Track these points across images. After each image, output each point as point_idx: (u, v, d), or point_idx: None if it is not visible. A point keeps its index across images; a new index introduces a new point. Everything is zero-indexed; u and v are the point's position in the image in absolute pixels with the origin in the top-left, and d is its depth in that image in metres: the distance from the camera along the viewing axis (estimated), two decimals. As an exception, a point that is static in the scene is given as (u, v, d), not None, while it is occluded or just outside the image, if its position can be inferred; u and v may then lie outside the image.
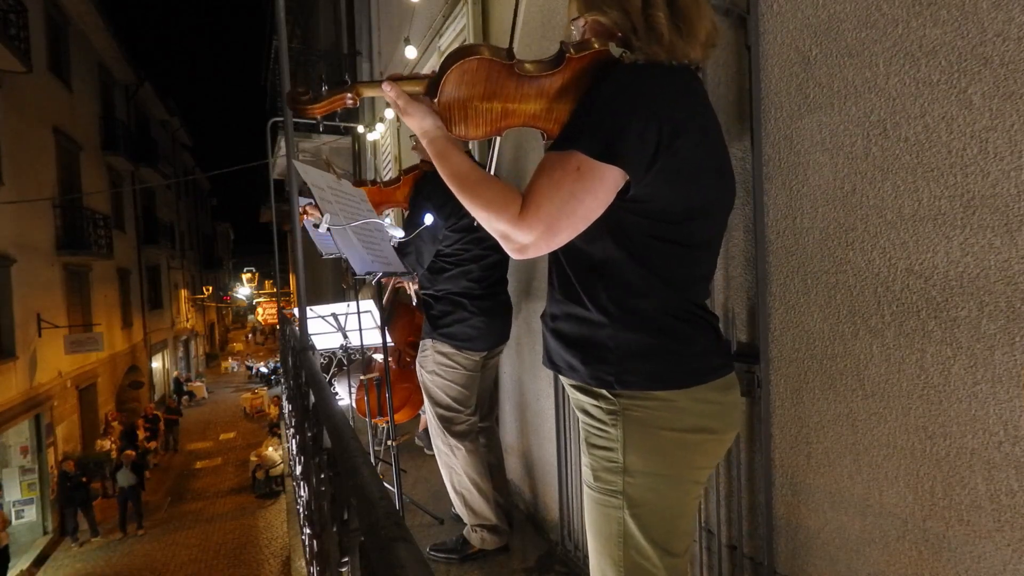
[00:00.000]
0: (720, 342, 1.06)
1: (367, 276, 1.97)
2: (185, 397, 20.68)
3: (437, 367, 2.22)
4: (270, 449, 11.72)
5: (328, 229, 1.84)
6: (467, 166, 0.99)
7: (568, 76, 0.97)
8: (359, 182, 2.61)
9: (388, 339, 2.36)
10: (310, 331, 2.80)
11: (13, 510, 10.01)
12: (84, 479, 10.19)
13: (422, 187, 2.32)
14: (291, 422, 2.69)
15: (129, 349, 16.05)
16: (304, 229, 2.49)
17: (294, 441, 2.45)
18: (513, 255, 0.97)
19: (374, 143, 6.24)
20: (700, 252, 1.03)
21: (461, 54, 0.93)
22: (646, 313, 0.98)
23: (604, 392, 1.01)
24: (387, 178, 3.62)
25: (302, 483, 1.76)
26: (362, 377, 2.94)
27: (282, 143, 7.21)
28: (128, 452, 11.03)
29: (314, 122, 1.07)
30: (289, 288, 18.77)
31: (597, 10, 0.99)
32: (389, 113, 5.09)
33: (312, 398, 1.32)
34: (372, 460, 2.41)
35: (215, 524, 10.89)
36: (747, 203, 1.39)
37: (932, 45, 1.01)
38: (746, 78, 1.37)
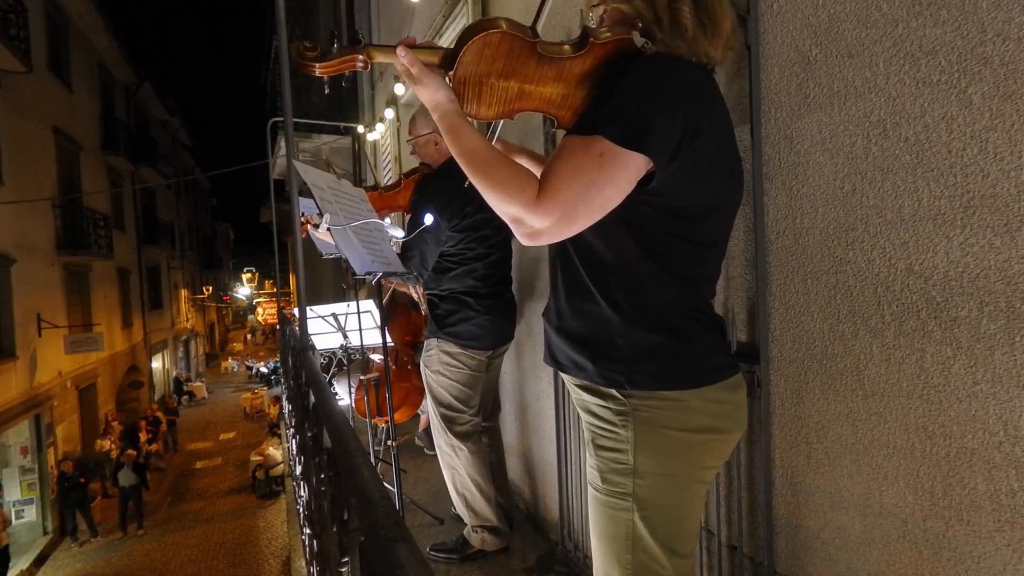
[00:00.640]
0: (725, 342, 1.06)
1: (367, 276, 1.97)
2: (185, 397, 20.69)
3: (442, 367, 2.22)
4: (271, 449, 11.72)
5: (328, 229, 1.84)
6: (480, 143, 0.95)
7: (589, 62, 0.94)
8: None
9: (387, 339, 2.35)
10: (310, 331, 2.80)
11: (13, 510, 10.01)
12: (82, 480, 10.18)
13: (424, 189, 2.32)
14: (291, 422, 2.69)
15: (129, 349, 16.05)
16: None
17: (294, 441, 2.45)
18: (523, 240, 0.94)
19: (374, 143, 6.23)
20: (710, 251, 1.03)
21: (485, 25, 0.90)
22: (658, 310, 0.98)
23: (613, 392, 0.99)
24: (387, 182, 3.62)
25: (302, 483, 1.76)
26: (361, 377, 2.93)
27: (282, 143, 7.21)
28: (130, 452, 11.03)
29: (319, 83, 0.96)
30: (289, 288, 18.79)
31: None
32: (389, 113, 5.09)
33: (312, 398, 1.32)
34: (372, 460, 2.41)
35: (215, 524, 10.89)
36: (747, 203, 1.39)
37: (932, 45, 1.01)
38: (746, 78, 1.37)
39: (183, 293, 24.20)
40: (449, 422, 2.23)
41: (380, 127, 5.75)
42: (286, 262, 13.86)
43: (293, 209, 2.39)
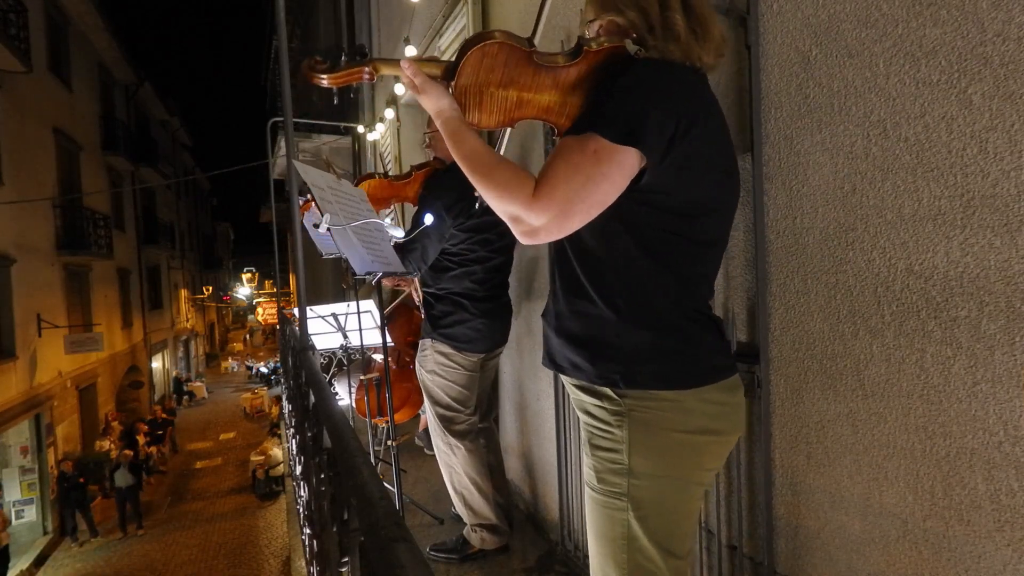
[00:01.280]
0: (723, 342, 1.07)
1: (367, 276, 1.97)
2: (185, 397, 20.69)
3: (437, 367, 2.22)
4: (275, 449, 11.72)
5: (328, 229, 1.84)
6: (481, 147, 0.99)
7: (584, 69, 0.98)
8: (367, 175, 2.59)
9: (388, 339, 2.35)
10: (310, 331, 2.79)
11: (13, 510, 10.01)
12: (81, 480, 10.17)
13: (433, 185, 2.31)
14: (291, 422, 2.69)
15: (129, 349, 16.04)
16: (304, 229, 2.48)
17: (294, 441, 2.45)
18: (523, 239, 0.96)
19: (374, 143, 6.23)
20: (709, 250, 1.04)
21: (483, 37, 0.95)
22: (657, 310, 0.98)
23: (608, 392, 1.00)
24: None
25: (302, 483, 1.75)
26: (362, 377, 2.93)
27: (282, 143, 7.21)
28: (126, 452, 11.02)
29: (325, 89, 1.05)
30: (289, 288, 18.79)
31: (614, 11, 1.00)
32: (389, 113, 5.08)
33: (312, 398, 1.32)
34: (372, 460, 2.41)
35: (215, 524, 10.89)
36: (747, 203, 1.39)
37: (932, 45, 1.01)
38: (746, 78, 1.37)
39: (183, 293, 24.20)
40: (447, 422, 2.23)
41: (380, 127, 5.75)
42: (286, 262, 13.87)
43: (293, 209, 2.39)
